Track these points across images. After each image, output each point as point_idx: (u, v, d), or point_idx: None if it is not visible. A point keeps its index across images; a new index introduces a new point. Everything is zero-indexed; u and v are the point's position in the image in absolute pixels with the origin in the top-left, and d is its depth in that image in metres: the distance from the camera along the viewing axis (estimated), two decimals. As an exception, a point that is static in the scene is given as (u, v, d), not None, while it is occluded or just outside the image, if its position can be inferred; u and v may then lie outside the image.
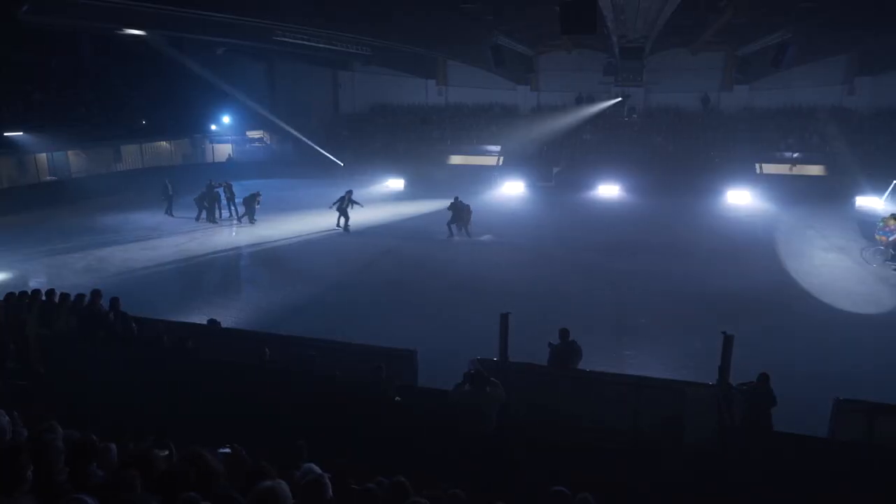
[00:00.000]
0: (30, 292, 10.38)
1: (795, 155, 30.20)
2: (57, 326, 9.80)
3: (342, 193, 21.74)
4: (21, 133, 25.42)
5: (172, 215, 23.57)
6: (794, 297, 14.60)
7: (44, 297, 10.27)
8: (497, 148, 34.00)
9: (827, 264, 17.34)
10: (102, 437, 4.47)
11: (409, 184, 30.22)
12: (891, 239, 17.12)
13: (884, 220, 17.65)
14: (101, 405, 8.46)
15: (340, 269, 16.97)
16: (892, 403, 7.47)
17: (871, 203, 25.18)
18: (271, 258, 18.02)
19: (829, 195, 25.91)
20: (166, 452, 4.36)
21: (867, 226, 20.00)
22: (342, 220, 21.46)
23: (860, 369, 10.60)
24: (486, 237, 20.32)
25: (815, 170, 29.73)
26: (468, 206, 20.52)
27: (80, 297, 10.16)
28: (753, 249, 18.69)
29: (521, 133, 33.44)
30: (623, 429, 7.95)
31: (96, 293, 10.10)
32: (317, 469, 4.10)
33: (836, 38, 23.46)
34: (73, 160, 29.24)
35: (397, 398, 7.96)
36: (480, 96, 36.56)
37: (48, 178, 28.27)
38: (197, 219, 22.95)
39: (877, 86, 31.15)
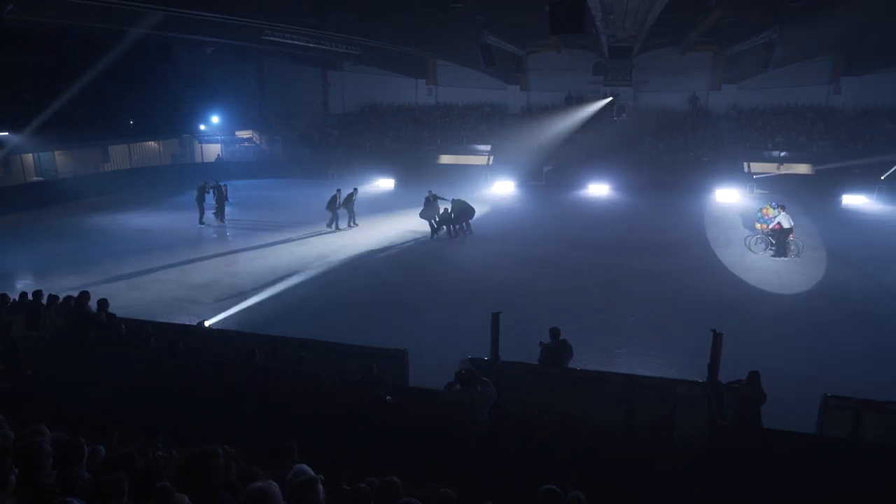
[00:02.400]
0: (16, 294, 10.28)
1: (783, 154, 30.47)
2: (45, 328, 9.71)
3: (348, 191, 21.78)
4: (7, 133, 25.18)
5: (223, 221, 22.56)
6: (778, 293, 14.74)
7: (30, 299, 10.18)
8: (487, 147, 34.07)
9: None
10: (91, 440, 4.43)
11: (399, 183, 30.22)
12: (770, 227, 17.79)
13: (761, 209, 18.64)
14: (90, 407, 8.41)
15: (331, 269, 16.92)
16: (878, 399, 7.55)
17: (856, 201, 25.53)
18: (259, 258, 17.93)
19: (815, 193, 26.16)
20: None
21: (748, 217, 21.09)
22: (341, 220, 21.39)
23: (846, 364, 10.73)
24: (476, 237, 20.32)
25: (802, 168, 30.02)
26: (470, 206, 20.46)
27: (68, 298, 10.07)
28: (737, 246, 18.84)
29: (511, 133, 33.59)
30: (614, 427, 7.99)
31: (84, 294, 10.01)
32: (309, 470, 4.09)
33: (822, 38, 23.69)
34: (60, 160, 29.02)
35: (388, 398, 7.95)
36: (470, 96, 36.63)
37: (35, 178, 28.05)
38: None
39: (862, 86, 31.52)
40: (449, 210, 20.14)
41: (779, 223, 17.33)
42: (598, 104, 32.87)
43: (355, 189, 22.28)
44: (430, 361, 9.22)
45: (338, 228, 21.20)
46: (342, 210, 21.48)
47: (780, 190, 26.92)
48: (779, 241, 17.42)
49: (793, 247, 17.57)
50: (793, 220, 17.39)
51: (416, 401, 8.07)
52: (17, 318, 9.78)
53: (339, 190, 21.61)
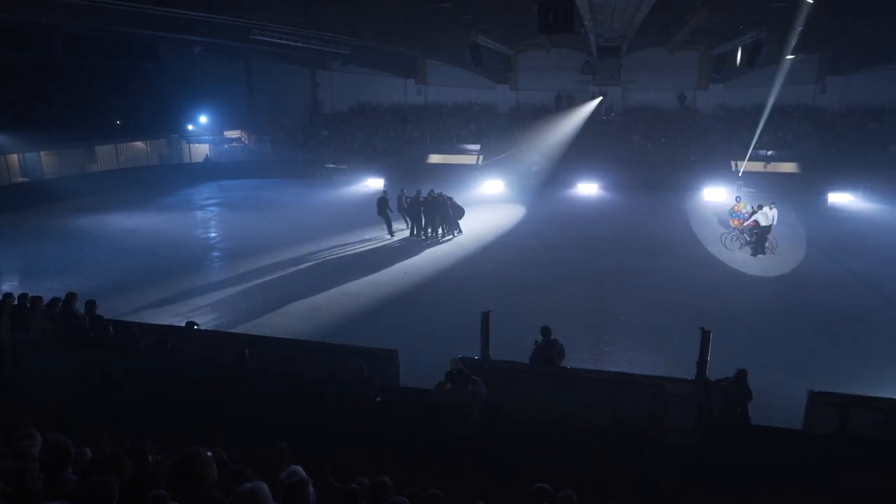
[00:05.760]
0: (1, 295, 10.17)
1: (769, 153, 30.72)
2: (32, 331, 9.62)
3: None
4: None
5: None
6: (766, 292, 14.87)
7: (16, 301, 10.07)
8: (476, 147, 34.09)
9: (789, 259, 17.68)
10: (79, 442, 4.41)
11: (389, 183, 30.16)
12: (746, 224, 18.05)
13: (733, 207, 18.99)
14: (78, 410, 8.34)
15: (321, 269, 16.88)
16: (863, 395, 7.64)
17: (842, 199, 25.78)
18: (249, 258, 17.82)
19: (802, 192, 26.40)
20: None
21: (722, 215, 21.38)
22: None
23: (831, 361, 10.85)
24: (466, 236, 20.33)
25: (789, 167, 30.28)
26: (452, 200, 20.24)
27: (55, 300, 9.99)
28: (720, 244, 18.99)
29: (501, 132, 33.62)
30: (604, 425, 8.03)
31: (71, 296, 9.93)
32: (302, 472, 4.08)
33: (808, 37, 23.89)
34: (46, 161, 28.73)
35: (379, 398, 7.94)
36: (460, 95, 36.64)
37: (20, 179, 27.75)
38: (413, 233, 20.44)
39: (847, 85, 31.85)
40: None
41: (755, 221, 17.48)
42: (588, 106, 32.90)
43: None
44: (420, 361, 9.23)
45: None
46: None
47: (768, 188, 27.16)
48: (758, 239, 17.54)
49: (768, 244, 17.74)
50: (770, 219, 17.42)
51: (407, 400, 8.07)
52: (3, 320, 9.68)
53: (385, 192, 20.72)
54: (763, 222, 17.35)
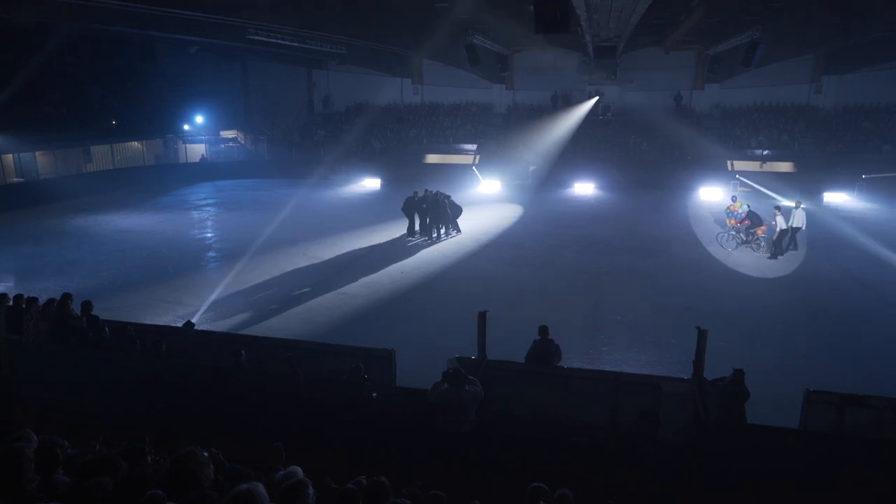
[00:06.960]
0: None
1: (765, 152, 30.80)
2: (27, 332, 9.58)
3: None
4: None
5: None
6: (763, 291, 14.90)
7: (11, 302, 10.02)
8: (473, 146, 34.09)
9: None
10: (74, 443, 4.39)
11: (386, 183, 30.19)
12: (742, 223, 18.18)
13: (729, 207, 19.22)
14: (73, 411, 8.32)
15: (317, 270, 16.86)
16: (859, 394, 7.65)
17: (837, 198, 25.86)
18: (244, 259, 17.80)
19: (798, 191, 26.44)
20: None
21: (718, 214, 21.74)
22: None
23: (827, 360, 10.88)
24: (463, 236, 20.33)
25: (785, 166, 30.36)
26: (451, 199, 20.21)
27: (51, 300, 9.95)
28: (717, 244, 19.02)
29: (497, 132, 33.60)
30: (600, 424, 8.03)
31: (66, 297, 9.90)
32: (301, 473, 4.07)
33: (803, 37, 23.97)
34: (42, 161, 28.67)
35: (375, 395, 7.94)
36: (456, 95, 36.65)
37: (15, 179, 27.67)
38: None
39: (842, 84, 31.95)
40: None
41: (777, 226, 17.14)
42: (585, 106, 32.91)
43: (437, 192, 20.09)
44: (417, 361, 9.22)
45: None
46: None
47: (764, 188, 27.21)
48: (778, 241, 17.33)
49: (763, 243, 17.74)
50: (792, 222, 17.19)
51: (404, 400, 8.07)
52: (-2, 321, 9.65)
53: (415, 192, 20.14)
54: (783, 225, 17.03)
